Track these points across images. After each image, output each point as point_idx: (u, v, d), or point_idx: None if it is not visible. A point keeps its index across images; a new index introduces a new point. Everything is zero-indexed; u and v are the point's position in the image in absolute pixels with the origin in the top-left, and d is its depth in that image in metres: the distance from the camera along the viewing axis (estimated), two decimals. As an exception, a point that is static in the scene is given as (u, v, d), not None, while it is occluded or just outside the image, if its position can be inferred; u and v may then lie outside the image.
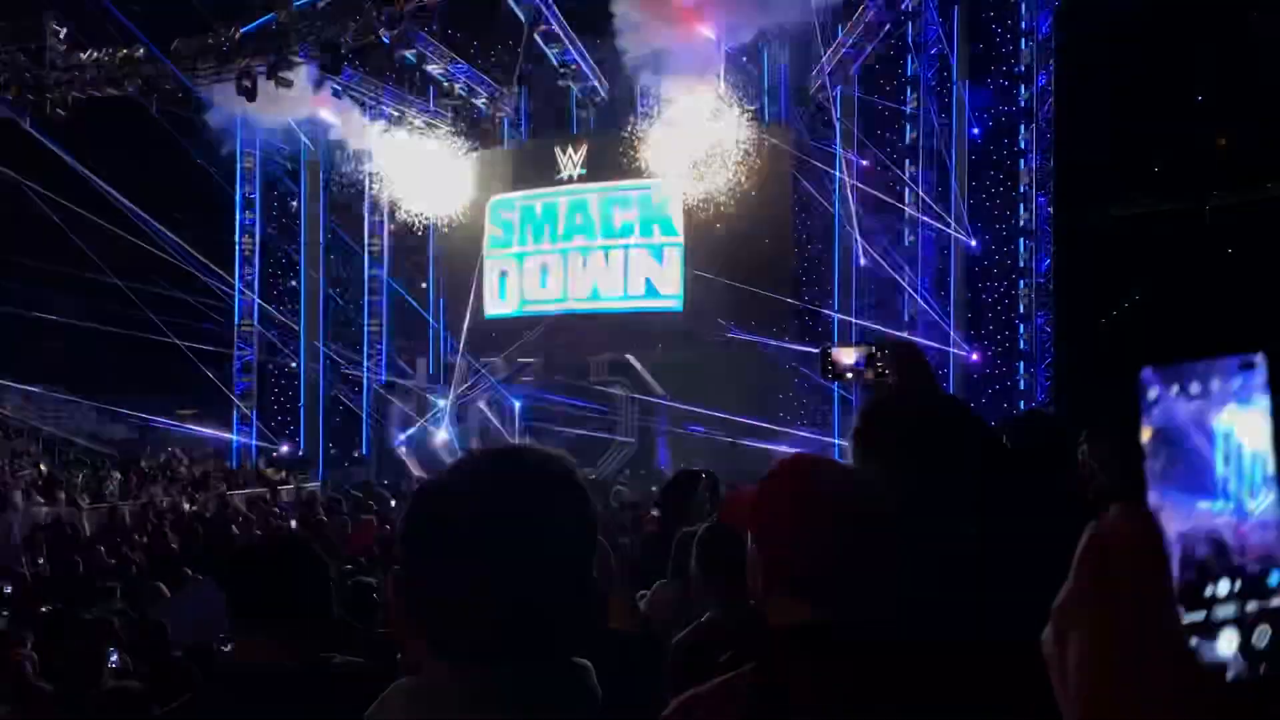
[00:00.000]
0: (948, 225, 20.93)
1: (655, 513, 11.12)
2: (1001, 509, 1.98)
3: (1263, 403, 0.56)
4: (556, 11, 23.19)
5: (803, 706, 1.43)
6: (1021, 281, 20.74)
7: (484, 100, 26.64)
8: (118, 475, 19.52)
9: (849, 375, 2.34)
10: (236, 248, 25.38)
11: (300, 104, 22.58)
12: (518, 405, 23.58)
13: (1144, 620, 0.57)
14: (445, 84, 25.22)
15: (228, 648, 4.98)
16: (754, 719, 1.42)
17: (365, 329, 28.11)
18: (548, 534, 1.00)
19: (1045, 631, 0.63)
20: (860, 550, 1.53)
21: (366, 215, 28.33)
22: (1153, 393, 0.59)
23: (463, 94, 26.09)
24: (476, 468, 1.05)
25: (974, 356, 20.86)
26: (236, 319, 25.47)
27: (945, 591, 1.70)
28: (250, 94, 21.58)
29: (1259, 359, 0.56)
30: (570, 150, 25.66)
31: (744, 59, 23.41)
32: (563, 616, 1.02)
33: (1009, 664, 1.70)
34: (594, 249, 25.27)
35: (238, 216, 25.37)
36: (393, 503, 14.49)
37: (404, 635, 1.07)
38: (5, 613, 7.95)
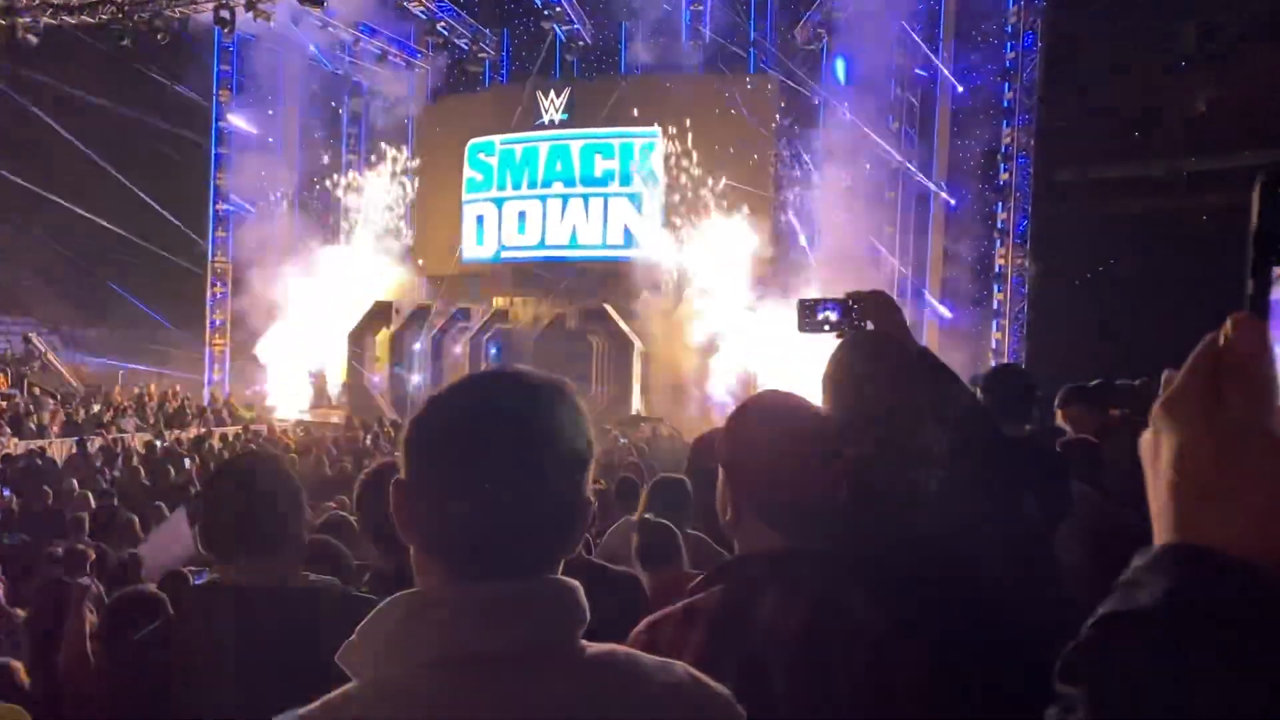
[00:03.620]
0: (929, 181, 20.95)
1: (632, 458, 11.23)
2: (966, 453, 2.03)
3: None
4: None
5: (767, 629, 1.48)
6: (999, 240, 20.79)
7: (466, 40, 26.28)
8: (84, 410, 19.40)
9: (825, 327, 2.35)
10: (211, 184, 24.99)
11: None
12: (493, 350, 23.54)
13: (1248, 423, 0.61)
14: (427, 22, 24.85)
15: (202, 576, 5.01)
16: (719, 641, 1.47)
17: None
18: (545, 444, 1.03)
19: (1144, 434, 0.66)
20: (826, 482, 1.57)
21: (344, 152, 28.04)
22: None
23: (444, 33, 25.72)
24: (481, 381, 1.08)
25: (948, 314, 20.99)
26: (210, 255, 25.15)
27: (908, 525, 1.75)
28: (228, 25, 21.20)
29: None
30: (552, 95, 25.39)
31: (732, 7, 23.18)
32: (556, 528, 1.06)
33: (967, 595, 1.75)
34: (574, 196, 25.10)
35: (213, 152, 24.93)
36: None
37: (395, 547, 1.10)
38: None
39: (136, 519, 7.76)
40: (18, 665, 3.86)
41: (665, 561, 3.61)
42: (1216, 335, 0.64)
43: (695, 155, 22.62)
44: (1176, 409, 0.64)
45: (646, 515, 3.91)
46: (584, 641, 1.04)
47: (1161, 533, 0.63)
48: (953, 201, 21.02)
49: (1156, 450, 0.65)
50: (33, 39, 22.32)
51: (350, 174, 27.49)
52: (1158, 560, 0.61)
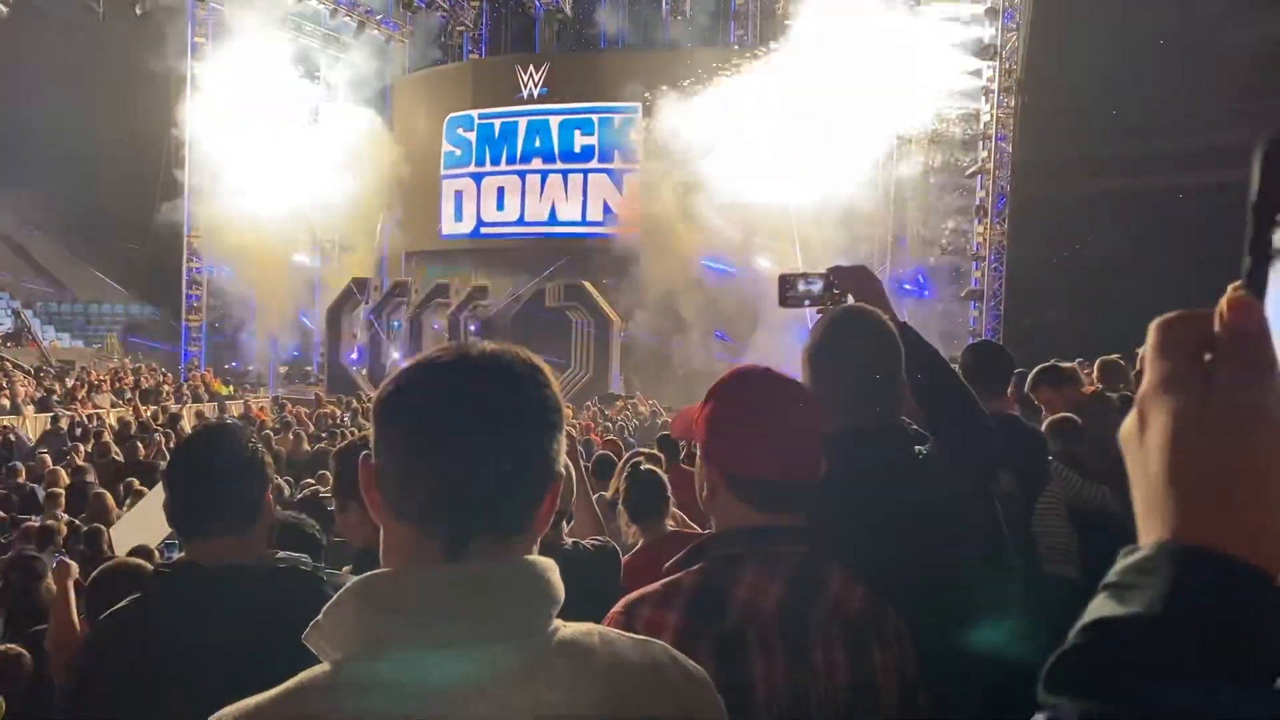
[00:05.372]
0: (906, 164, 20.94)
1: (610, 436, 11.25)
2: (945, 429, 2.03)
3: None
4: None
5: (744, 608, 1.46)
6: (977, 220, 20.83)
7: (444, 13, 26.04)
8: (59, 385, 19.22)
9: (806, 301, 2.35)
10: (186, 157, 24.62)
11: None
12: (472, 328, 23.48)
13: (1252, 407, 0.56)
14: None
15: (172, 552, 4.97)
16: (696, 620, 1.46)
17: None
18: (511, 410, 1.02)
19: (1126, 421, 0.61)
20: (804, 458, 1.56)
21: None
22: None
23: (421, 5, 25.47)
24: (448, 352, 1.07)
25: (926, 292, 21.05)
26: (186, 230, 24.83)
27: (887, 501, 1.74)
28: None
29: None
30: (531, 69, 25.21)
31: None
32: (526, 493, 1.04)
33: (946, 572, 1.75)
34: (553, 172, 24.97)
35: (187, 123, 24.54)
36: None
37: (365, 525, 1.08)
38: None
39: (109, 494, 7.69)
40: (20, 650, 3.84)
41: (654, 514, 3.65)
42: (1199, 314, 0.59)
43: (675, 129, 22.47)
44: (1169, 393, 0.59)
45: (637, 466, 3.93)
46: (559, 621, 1.02)
47: (1150, 527, 0.58)
48: (932, 180, 21.03)
49: (1143, 437, 0.59)
50: (3, 9, 21.95)
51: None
52: (1151, 561, 0.56)
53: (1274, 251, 0.58)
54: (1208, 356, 0.59)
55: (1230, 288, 0.59)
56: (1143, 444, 0.59)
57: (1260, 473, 0.56)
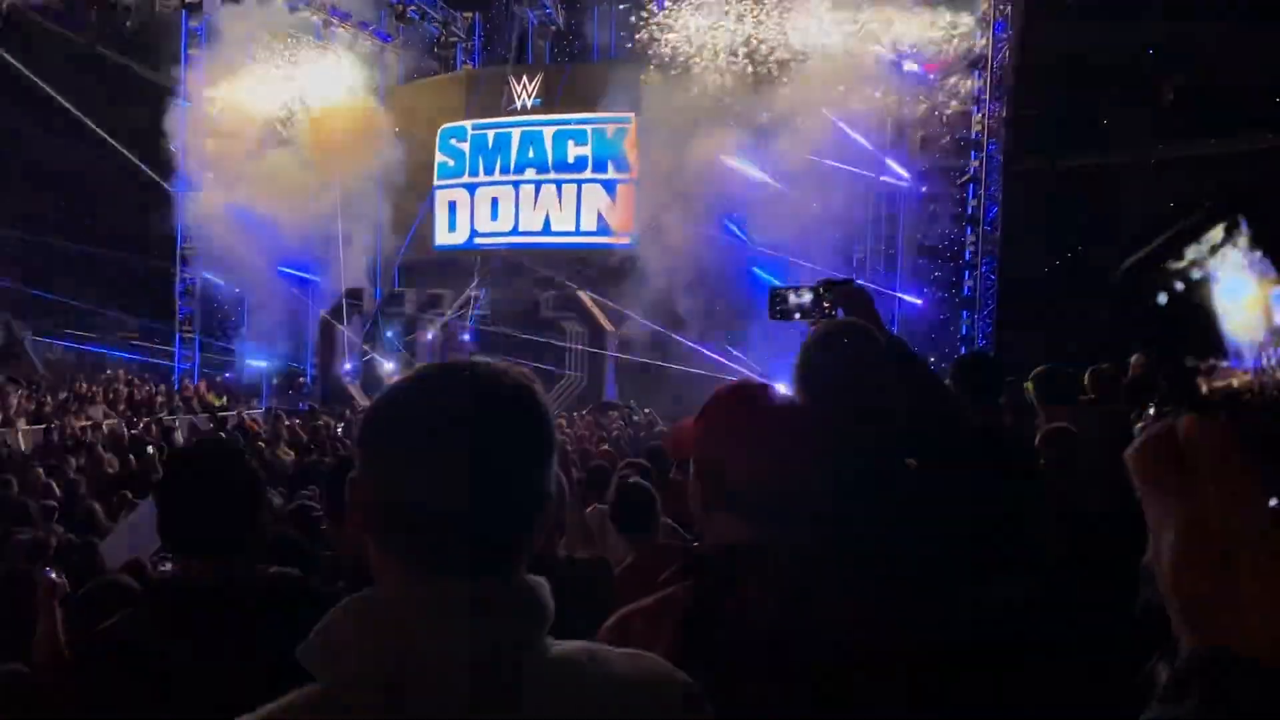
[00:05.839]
0: (896, 172, 20.98)
1: (605, 446, 11.23)
2: (936, 440, 2.04)
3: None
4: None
5: (736, 620, 1.46)
6: (969, 229, 20.86)
7: (437, 24, 26.06)
8: (51, 397, 19.15)
9: (796, 315, 2.36)
10: (179, 168, 24.59)
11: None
12: (466, 338, 23.45)
13: (1233, 517, 0.60)
14: (397, 5, 24.61)
15: (166, 566, 4.95)
16: (690, 632, 1.45)
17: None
18: (502, 435, 1.01)
19: (1148, 550, 0.65)
20: (796, 473, 1.56)
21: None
22: None
23: (414, 16, 25.49)
24: (436, 372, 1.06)
25: (918, 300, 21.07)
26: (179, 241, 24.79)
27: (879, 514, 1.74)
28: (196, 9, 20.93)
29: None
30: (525, 80, 25.25)
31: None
32: (516, 522, 1.03)
33: (938, 585, 1.75)
34: (546, 182, 24.99)
35: (180, 133, 24.51)
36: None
37: (356, 539, 1.07)
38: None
39: (99, 507, 7.67)
40: (24, 670, 3.81)
41: (643, 528, 3.64)
42: (1160, 436, 0.63)
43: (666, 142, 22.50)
44: (1165, 530, 0.63)
45: (625, 479, 3.94)
46: (551, 639, 1.02)
47: (1184, 625, 0.62)
48: (923, 188, 21.08)
49: (1159, 568, 0.64)
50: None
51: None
52: (1191, 666, 0.61)
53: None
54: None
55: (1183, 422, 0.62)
56: (1161, 576, 0.64)
57: (1265, 583, 0.60)
